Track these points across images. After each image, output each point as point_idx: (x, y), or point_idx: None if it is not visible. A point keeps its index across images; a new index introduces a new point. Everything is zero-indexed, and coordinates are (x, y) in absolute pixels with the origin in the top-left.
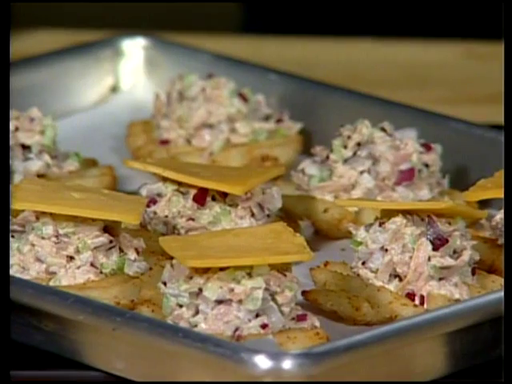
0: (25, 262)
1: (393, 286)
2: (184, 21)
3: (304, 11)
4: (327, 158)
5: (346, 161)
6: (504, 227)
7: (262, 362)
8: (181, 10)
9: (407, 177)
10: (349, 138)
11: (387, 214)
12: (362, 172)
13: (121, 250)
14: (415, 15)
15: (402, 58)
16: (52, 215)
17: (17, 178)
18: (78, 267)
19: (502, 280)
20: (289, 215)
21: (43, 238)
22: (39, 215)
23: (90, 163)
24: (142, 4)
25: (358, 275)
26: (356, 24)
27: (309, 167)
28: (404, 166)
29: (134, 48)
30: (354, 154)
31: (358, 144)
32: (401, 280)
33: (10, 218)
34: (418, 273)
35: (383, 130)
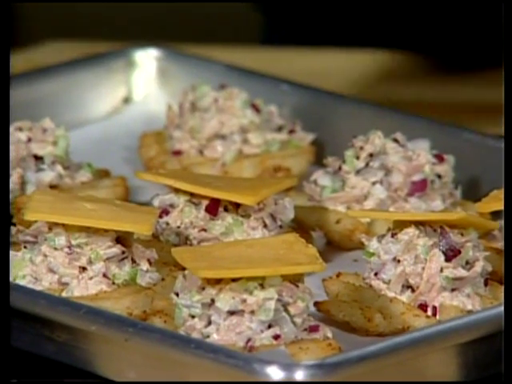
0: (37, 273)
1: (405, 296)
2: (199, 32)
3: (318, 22)
4: (339, 168)
5: (358, 172)
6: (504, 228)
7: (275, 372)
8: (196, 21)
9: (420, 188)
10: (361, 148)
11: (400, 225)
12: (374, 183)
13: (133, 261)
14: (425, 27)
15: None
16: (64, 226)
17: (29, 189)
18: (91, 278)
19: None
20: (301, 226)
21: (56, 249)
22: (52, 226)
23: (102, 174)
24: (156, 15)
25: (371, 286)
26: (369, 35)
27: (321, 178)
28: (417, 177)
29: (147, 59)
30: (367, 164)
31: (371, 155)
32: (413, 291)
33: (23, 228)
34: (431, 284)
35: (396, 140)
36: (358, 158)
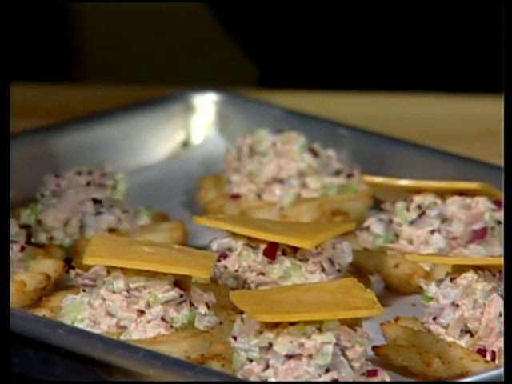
0: (96, 316)
1: (464, 341)
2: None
3: (375, 67)
4: (391, 221)
5: (411, 222)
6: (504, 230)
7: None
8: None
9: (480, 235)
10: (411, 201)
11: (458, 270)
12: (432, 232)
13: (191, 305)
14: (486, 70)
15: (473, 113)
16: (123, 269)
17: (88, 233)
18: (149, 321)
19: None
20: (359, 270)
21: (114, 293)
22: (110, 269)
23: (160, 218)
24: (214, 59)
25: (429, 331)
26: (426, 79)
27: (374, 225)
28: (477, 226)
29: (205, 103)
30: (419, 216)
31: (419, 206)
32: (472, 336)
33: (82, 272)
34: (490, 328)
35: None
36: (408, 209)
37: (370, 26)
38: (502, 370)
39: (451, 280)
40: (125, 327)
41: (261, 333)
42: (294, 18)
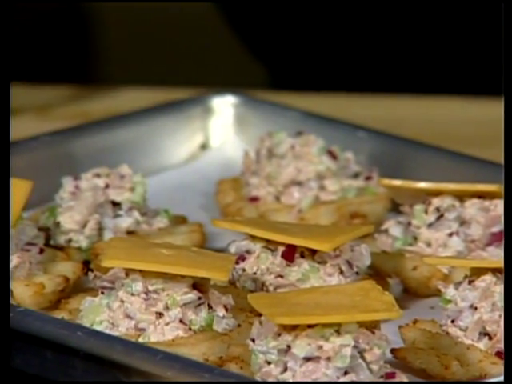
0: (114, 319)
1: (482, 344)
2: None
3: (395, 69)
4: (409, 224)
5: (430, 225)
6: (504, 232)
7: None
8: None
9: (499, 238)
10: (429, 203)
11: (477, 272)
12: (450, 234)
13: (209, 307)
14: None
15: (492, 116)
16: (141, 272)
17: (107, 235)
18: (167, 324)
19: None
20: (378, 273)
21: (133, 295)
22: (129, 272)
23: (179, 220)
24: (232, 61)
25: (448, 333)
26: (446, 82)
27: (393, 228)
28: (495, 229)
29: (224, 106)
30: (438, 218)
31: (438, 209)
32: (490, 338)
33: (100, 274)
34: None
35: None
36: (426, 212)
37: (390, 29)
38: None
39: (469, 283)
40: (143, 329)
41: (279, 335)
42: (312, 24)
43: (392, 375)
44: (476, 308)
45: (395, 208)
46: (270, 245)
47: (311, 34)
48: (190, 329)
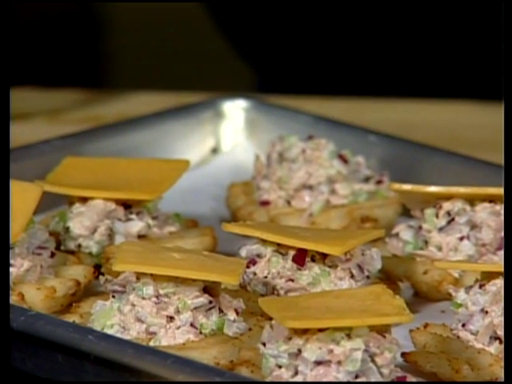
0: (125, 322)
1: (493, 348)
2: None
3: (406, 73)
4: (420, 228)
5: (441, 229)
6: (504, 231)
7: None
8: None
9: None
10: (440, 207)
11: (487, 276)
12: (461, 238)
13: (220, 311)
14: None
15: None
16: (152, 276)
17: (118, 239)
18: (178, 327)
19: None
20: (389, 277)
21: (144, 299)
22: (140, 276)
23: (190, 224)
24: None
25: (458, 337)
26: (457, 86)
27: (403, 232)
28: None
29: (235, 110)
30: (449, 222)
31: (448, 213)
32: (501, 342)
33: (111, 278)
34: None
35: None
36: (437, 216)
37: (403, 34)
38: None
39: (480, 287)
40: (154, 333)
41: (290, 339)
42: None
43: (403, 379)
44: (487, 312)
45: (406, 212)
46: (280, 249)
47: (322, 39)
48: (200, 332)
